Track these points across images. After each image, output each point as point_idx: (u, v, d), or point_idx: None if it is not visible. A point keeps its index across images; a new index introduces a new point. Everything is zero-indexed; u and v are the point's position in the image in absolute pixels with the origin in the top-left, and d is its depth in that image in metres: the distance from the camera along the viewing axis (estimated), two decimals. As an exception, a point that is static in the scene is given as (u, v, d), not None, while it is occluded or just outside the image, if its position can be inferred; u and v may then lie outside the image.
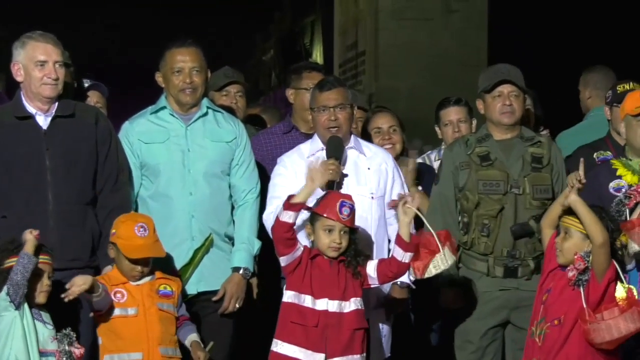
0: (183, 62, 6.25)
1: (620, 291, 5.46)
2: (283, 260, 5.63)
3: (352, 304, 5.62)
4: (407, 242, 5.57)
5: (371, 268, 5.67)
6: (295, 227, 5.59)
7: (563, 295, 5.50)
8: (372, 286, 5.76)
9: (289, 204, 5.51)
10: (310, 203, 5.66)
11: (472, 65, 10.81)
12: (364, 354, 5.65)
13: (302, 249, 5.61)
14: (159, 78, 6.35)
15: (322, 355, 5.55)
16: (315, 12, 23.46)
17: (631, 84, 6.81)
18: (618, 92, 6.82)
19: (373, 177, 6.18)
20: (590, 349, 5.43)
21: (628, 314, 5.32)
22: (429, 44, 11.63)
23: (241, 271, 6.25)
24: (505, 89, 6.37)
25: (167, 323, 5.78)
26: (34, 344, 5.38)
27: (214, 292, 6.22)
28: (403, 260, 5.60)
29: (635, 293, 5.49)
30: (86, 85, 7.06)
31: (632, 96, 6.16)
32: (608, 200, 5.92)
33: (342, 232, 5.59)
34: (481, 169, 6.30)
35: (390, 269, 5.65)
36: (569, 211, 5.56)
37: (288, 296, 5.63)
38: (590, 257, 5.42)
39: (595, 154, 6.78)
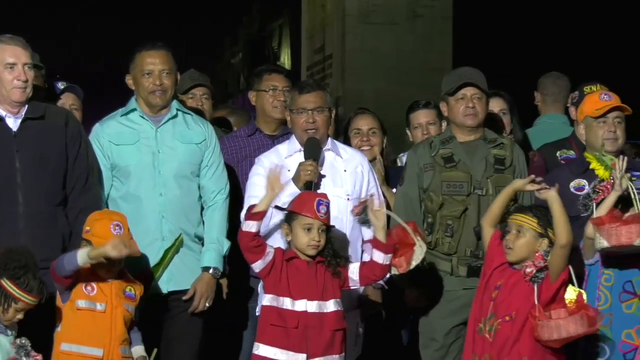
0: (153, 64, 6.24)
1: (570, 293, 5.51)
2: (255, 267, 5.64)
3: (332, 305, 5.64)
4: (385, 244, 5.59)
5: (353, 270, 5.69)
6: (268, 230, 5.60)
7: (514, 292, 5.53)
8: (351, 288, 5.77)
9: (251, 214, 5.52)
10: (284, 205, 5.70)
11: (437, 69, 10.81)
12: (343, 354, 5.67)
13: (272, 252, 5.60)
14: (129, 80, 6.33)
15: (304, 356, 5.56)
16: (283, 16, 23.48)
17: (598, 85, 6.84)
18: (585, 93, 6.84)
19: (349, 179, 6.20)
20: (540, 345, 5.46)
21: (577, 317, 5.36)
22: (395, 48, 11.63)
23: (211, 271, 6.25)
24: (468, 91, 6.38)
25: (128, 324, 5.75)
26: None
27: (184, 292, 6.21)
28: (384, 263, 5.62)
29: (584, 298, 5.55)
30: (61, 87, 7.02)
31: (591, 99, 6.21)
32: (568, 199, 5.94)
33: (320, 230, 5.60)
34: (445, 171, 6.31)
35: (373, 272, 5.66)
36: (517, 209, 5.61)
37: (267, 300, 5.63)
38: (549, 257, 5.45)
39: (558, 152, 6.81)
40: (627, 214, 5.67)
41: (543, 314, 5.40)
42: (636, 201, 5.63)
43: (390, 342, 7.09)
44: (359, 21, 11.78)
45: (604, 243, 5.56)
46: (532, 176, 5.69)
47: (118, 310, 5.70)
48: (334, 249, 5.68)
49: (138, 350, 5.82)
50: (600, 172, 5.75)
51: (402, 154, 7.61)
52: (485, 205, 6.13)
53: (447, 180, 6.28)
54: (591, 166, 5.85)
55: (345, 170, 6.21)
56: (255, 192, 6.08)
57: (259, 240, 5.57)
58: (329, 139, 6.27)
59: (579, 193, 6.09)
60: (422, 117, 7.16)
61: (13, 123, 5.92)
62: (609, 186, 5.69)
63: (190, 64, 7.64)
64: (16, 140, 5.90)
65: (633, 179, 6.10)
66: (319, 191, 5.95)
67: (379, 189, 6.34)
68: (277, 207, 5.76)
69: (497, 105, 7.10)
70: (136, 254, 5.73)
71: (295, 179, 5.97)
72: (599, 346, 5.67)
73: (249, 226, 5.52)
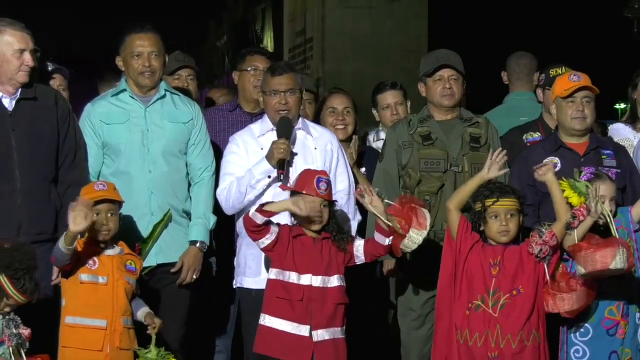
0: (142, 46, 6.21)
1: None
2: (258, 244, 5.65)
3: (335, 280, 5.66)
4: (386, 230, 5.62)
5: (358, 247, 5.72)
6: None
7: (518, 267, 5.55)
8: (357, 264, 5.78)
9: (262, 210, 5.52)
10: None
11: (413, 51, 10.82)
12: (344, 327, 5.68)
13: (276, 230, 5.60)
14: (119, 62, 6.30)
15: (308, 327, 5.57)
16: (266, 0, 23.40)
17: (563, 68, 6.82)
18: (550, 75, 6.83)
19: (319, 156, 6.17)
20: (544, 321, 5.56)
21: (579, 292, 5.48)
22: (372, 30, 11.62)
23: (198, 244, 6.23)
24: (446, 72, 6.38)
25: (129, 296, 5.74)
26: None
27: (172, 264, 6.20)
28: (387, 244, 5.66)
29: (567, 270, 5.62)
30: (50, 68, 6.99)
31: (562, 79, 6.19)
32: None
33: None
34: (423, 148, 6.31)
35: (377, 250, 5.70)
36: (494, 194, 5.59)
37: (273, 273, 5.64)
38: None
39: (524, 135, 6.80)
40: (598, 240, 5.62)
41: (557, 287, 5.50)
42: (612, 225, 5.57)
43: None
44: (338, 5, 11.77)
45: (581, 270, 5.50)
46: (500, 153, 5.67)
47: (119, 282, 5.69)
48: (338, 223, 5.70)
49: (144, 310, 5.80)
50: (574, 200, 5.62)
51: (370, 132, 7.58)
52: (461, 182, 6.12)
53: (424, 157, 6.29)
54: (564, 194, 5.69)
55: (315, 148, 6.19)
56: (229, 169, 6.10)
57: (262, 228, 5.57)
58: (300, 119, 6.23)
59: (552, 170, 6.11)
60: (390, 97, 7.16)
61: (9, 104, 5.92)
62: (583, 210, 5.59)
63: (178, 47, 7.60)
64: (12, 119, 5.89)
65: (603, 157, 6.13)
66: (291, 169, 5.95)
67: (348, 168, 6.32)
68: (282, 187, 5.81)
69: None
70: (118, 199, 5.71)
71: (269, 157, 5.95)
72: (583, 326, 5.69)
73: (256, 217, 5.53)
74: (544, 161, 5.82)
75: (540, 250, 5.50)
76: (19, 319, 5.30)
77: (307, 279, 5.60)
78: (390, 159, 6.38)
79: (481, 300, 5.54)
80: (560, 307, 5.50)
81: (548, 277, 5.54)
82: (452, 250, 5.67)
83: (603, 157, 6.12)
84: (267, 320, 5.60)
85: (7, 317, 5.30)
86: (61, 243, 5.46)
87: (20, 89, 5.91)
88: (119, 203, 5.73)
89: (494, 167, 5.61)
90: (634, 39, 16.74)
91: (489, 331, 5.50)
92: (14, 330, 5.25)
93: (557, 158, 6.04)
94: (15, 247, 5.40)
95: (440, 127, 6.36)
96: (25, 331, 5.28)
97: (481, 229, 5.65)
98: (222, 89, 8.40)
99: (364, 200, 5.70)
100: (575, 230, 5.53)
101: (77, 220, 5.42)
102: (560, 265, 5.57)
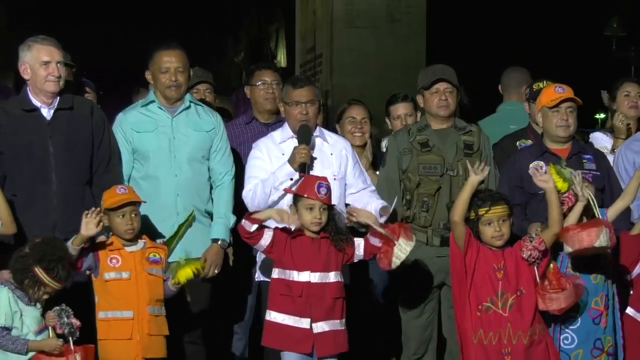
0: (169, 62, 6.20)
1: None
2: (258, 248, 5.70)
3: (333, 276, 5.64)
4: (381, 235, 5.64)
5: (358, 246, 5.72)
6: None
7: (518, 271, 5.54)
8: (355, 261, 5.78)
9: (251, 218, 5.54)
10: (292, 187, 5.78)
11: (413, 66, 10.77)
12: (344, 320, 5.67)
13: (270, 235, 5.60)
14: (148, 75, 6.31)
15: (308, 320, 5.56)
16: (279, 20, 23.45)
17: (544, 82, 6.84)
18: (534, 90, 6.85)
19: (335, 161, 6.20)
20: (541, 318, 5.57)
21: (568, 291, 5.48)
22: (376, 48, 11.60)
23: (219, 242, 6.21)
24: (441, 86, 6.38)
25: (155, 286, 5.76)
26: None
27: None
28: (380, 245, 5.65)
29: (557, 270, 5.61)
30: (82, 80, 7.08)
31: (548, 91, 6.19)
32: (528, 179, 5.93)
33: (321, 209, 5.61)
34: (421, 154, 6.32)
35: (374, 250, 5.68)
36: (488, 202, 5.56)
37: (276, 273, 5.64)
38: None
39: (518, 142, 6.82)
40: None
41: (546, 289, 5.49)
42: (595, 208, 5.58)
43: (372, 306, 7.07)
44: (345, 25, 11.75)
45: (568, 249, 5.52)
46: (481, 167, 5.66)
47: (142, 275, 5.71)
48: (337, 225, 5.69)
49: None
50: (559, 184, 5.61)
51: (383, 139, 7.61)
52: (456, 184, 6.15)
53: (423, 162, 6.30)
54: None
55: (331, 154, 6.21)
56: (254, 172, 6.12)
57: (252, 232, 5.58)
58: (317, 127, 6.25)
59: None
60: (401, 109, 7.15)
61: (47, 113, 5.94)
62: (571, 197, 5.59)
63: (199, 62, 7.61)
64: (50, 127, 5.91)
65: (584, 161, 6.13)
66: (311, 172, 5.97)
67: (362, 169, 6.34)
68: (286, 190, 5.81)
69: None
70: (138, 200, 5.72)
71: (291, 161, 5.98)
72: (573, 316, 5.68)
73: (247, 225, 5.54)
74: (531, 165, 5.81)
75: (530, 255, 5.47)
76: (70, 310, 5.34)
77: (305, 276, 5.58)
78: (391, 164, 6.39)
79: (491, 302, 5.50)
80: (549, 307, 5.49)
81: (538, 279, 5.52)
82: (461, 259, 5.59)
83: (584, 161, 6.13)
84: (272, 316, 5.60)
85: (60, 307, 5.34)
86: (69, 243, 5.52)
87: (58, 100, 5.93)
88: (139, 204, 5.76)
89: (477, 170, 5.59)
90: (612, 55, 16.79)
91: (501, 330, 5.46)
92: (66, 320, 5.29)
93: (542, 162, 6.06)
94: (46, 241, 5.46)
95: (437, 135, 6.36)
96: (77, 322, 5.32)
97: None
98: (225, 100, 8.40)
99: (353, 220, 5.75)
100: (567, 217, 5.54)
101: (89, 226, 5.49)
102: (552, 265, 5.54)
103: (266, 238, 5.59)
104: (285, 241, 5.62)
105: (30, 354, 5.29)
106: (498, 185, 6.23)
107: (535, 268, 5.52)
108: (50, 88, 5.88)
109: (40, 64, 5.86)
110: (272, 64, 9.10)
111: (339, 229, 5.69)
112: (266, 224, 5.61)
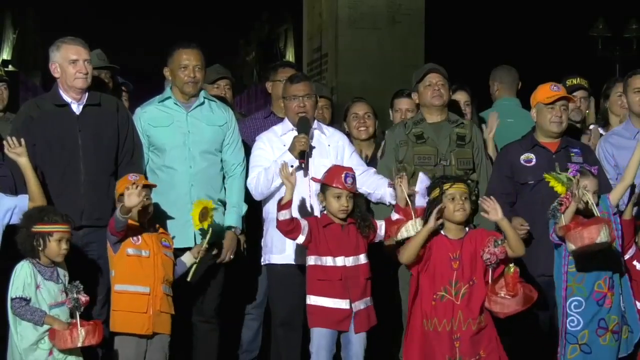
0: (188, 60, 6.19)
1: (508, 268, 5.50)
2: (298, 241, 5.70)
3: (363, 258, 5.73)
4: (404, 210, 5.68)
5: (381, 227, 5.78)
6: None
7: (472, 262, 5.50)
8: (376, 241, 5.83)
9: (280, 206, 5.56)
10: (318, 176, 5.82)
11: (412, 65, 10.78)
12: (372, 297, 5.75)
13: (307, 225, 5.65)
14: (166, 72, 6.29)
15: (348, 301, 5.63)
16: (288, 22, 23.48)
17: (577, 78, 6.95)
18: (567, 85, 6.92)
19: (332, 151, 6.25)
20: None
21: (518, 298, 5.41)
22: (378, 48, 11.63)
23: (233, 229, 6.23)
24: (434, 78, 6.40)
25: (168, 267, 5.81)
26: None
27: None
28: (396, 218, 5.70)
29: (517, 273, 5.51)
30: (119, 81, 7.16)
31: (543, 88, 6.19)
32: (519, 170, 6.03)
33: (348, 197, 5.66)
34: (416, 146, 6.35)
35: (390, 225, 5.72)
36: (448, 180, 5.60)
37: (312, 260, 5.70)
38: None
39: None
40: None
41: (495, 291, 5.44)
42: (594, 208, 5.56)
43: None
44: (349, 26, 11.77)
45: (571, 246, 5.47)
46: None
47: (158, 256, 5.77)
48: (362, 211, 5.75)
49: (187, 254, 5.89)
50: (559, 188, 5.56)
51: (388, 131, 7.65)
52: (449, 174, 6.08)
53: (418, 153, 6.34)
54: (550, 184, 5.62)
55: (329, 145, 6.25)
56: (258, 162, 6.18)
57: (294, 224, 5.61)
58: (315, 121, 6.30)
59: (527, 165, 6.13)
60: (403, 103, 7.14)
61: (76, 108, 5.99)
62: (569, 197, 5.55)
63: (214, 61, 7.67)
64: (79, 122, 5.96)
65: (572, 154, 6.13)
66: (310, 159, 6.04)
67: (357, 155, 6.38)
68: (313, 179, 5.88)
69: (462, 97, 7.10)
70: (150, 183, 5.77)
71: (291, 149, 6.03)
72: (577, 300, 5.68)
73: (283, 215, 5.56)
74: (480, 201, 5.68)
75: (488, 258, 5.42)
76: (81, 286, 5.28)
77: (341, 261, 5.66)
78: (389, 155, 6.42)
79: (444, 291, 5.46)
80: (493, 309, 5.43)
81: (490, 281, 5.47)
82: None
83: (572, 154, 6.15)
84: (312, 300, 5.66)
85: (72, 283, 5.33)
86: (118, 212, 5.55)
87: (87, 96, 5.98)
88: (151, 189, 5.77)
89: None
90: (598, 55, 16.79)
91: (453, 318, 5.43)
92: (75, 295, 5.26)
93: (532, 155, 6.09)
94: (39, 208, 5.52)
95: (431, 128, 6.39)
96: (84, 298, 5.27)
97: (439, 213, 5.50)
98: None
99: (398, 185, 5.75)
100: (562, 215, 5.51)
101: (131, 197, 5.50)
102: (513, 269, 5.41)
103: (304, 231, 5.63)
104: (318, 231, 5.66)
105: (46, 327, 5.28)
106: (490, 176, 6.30)
107: (490, 270, 5.48)
108: (79, 84, 5.93)
109: (69, 62, 5.91)
110: (292, 62, 9.08)
111: (364, 214, 5.75)
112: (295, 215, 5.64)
